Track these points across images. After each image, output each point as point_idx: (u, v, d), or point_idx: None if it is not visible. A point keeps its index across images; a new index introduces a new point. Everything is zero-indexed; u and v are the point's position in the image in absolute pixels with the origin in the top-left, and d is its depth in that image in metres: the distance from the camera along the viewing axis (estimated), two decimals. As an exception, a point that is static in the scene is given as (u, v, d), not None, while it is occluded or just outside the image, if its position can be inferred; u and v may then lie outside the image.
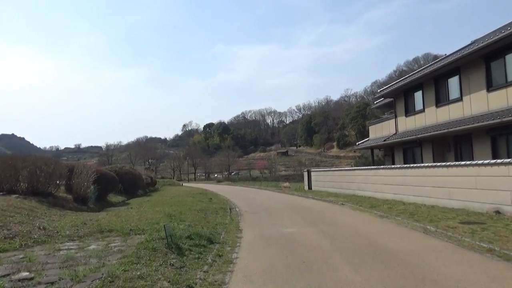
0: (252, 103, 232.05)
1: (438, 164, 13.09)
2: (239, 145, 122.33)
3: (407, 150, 20.37)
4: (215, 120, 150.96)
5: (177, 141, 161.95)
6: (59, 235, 7.53)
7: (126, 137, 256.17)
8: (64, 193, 14.65)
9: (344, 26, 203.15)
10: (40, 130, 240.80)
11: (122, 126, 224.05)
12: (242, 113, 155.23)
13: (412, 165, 15.40)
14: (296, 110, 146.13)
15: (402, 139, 19.03)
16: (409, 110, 19.97)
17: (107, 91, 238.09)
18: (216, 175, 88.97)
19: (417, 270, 5.30)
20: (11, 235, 7.00)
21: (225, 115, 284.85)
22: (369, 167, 20.34)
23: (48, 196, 12.64)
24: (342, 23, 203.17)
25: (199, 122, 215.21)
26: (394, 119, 21.52)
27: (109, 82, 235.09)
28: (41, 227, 8.00)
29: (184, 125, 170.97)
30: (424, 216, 10.29)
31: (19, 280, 4.57)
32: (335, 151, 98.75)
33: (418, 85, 18.62)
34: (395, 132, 21.20)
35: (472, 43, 15.42)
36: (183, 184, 54.50)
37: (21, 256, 5.82)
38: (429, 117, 17.83)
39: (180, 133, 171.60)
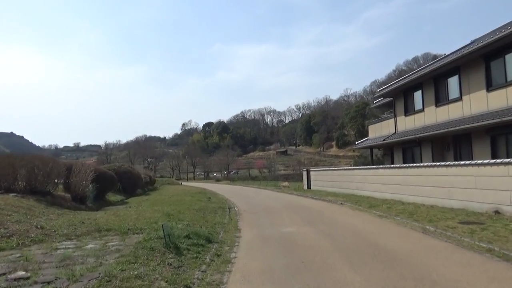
0: (251, 102, 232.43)
1: (438, 163, 13.06)
2: (238, 144, 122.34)
3: (406, 150, 20.35)
4: (214, 119, 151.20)
5: (176, 140, 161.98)
6: (56, 234, 7.50)
7: (125, 136, 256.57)
8: (62, 192, 14.61)
9: (343, 26, 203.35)
10: (39, 128, 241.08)
11: (121, 125, 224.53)
12: (242, 112, 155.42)
13: (411, 164, 15.38)
14: (295, 109, 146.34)
15: (402, 138, 19.01)
16: (409, 110, 19.94)
17: (106, 90, 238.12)
18: (215, 174, 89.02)
19: (416, 270, 5.27)
20: (8, 234, 6.97)
21: (225, 114, 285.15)
22: (368, 166, 20.32)
23: (46, 195, 12.60)
24: (342, 23, 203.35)
25: (199, 121, 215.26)
26: (393, 119, 21.49)
27: (108, 81, 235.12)
28: (39, 226, 7.98)
29: (183, 124, 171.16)
30: (423, 216, 10.27)
31: (15, 280, 4.53)
32: (334, 150, 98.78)
33: (417, 84, 18.59)
34: (394, 131, 21.18)
35: (472, 42, 15.41)
36: (182, 183, 54.50)
37: (18, 255, 5.79)
38: (429, 117, 17.81)
39: (179, 132, 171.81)
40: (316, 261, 5.98)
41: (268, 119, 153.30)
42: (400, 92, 20.41)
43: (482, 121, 13.11)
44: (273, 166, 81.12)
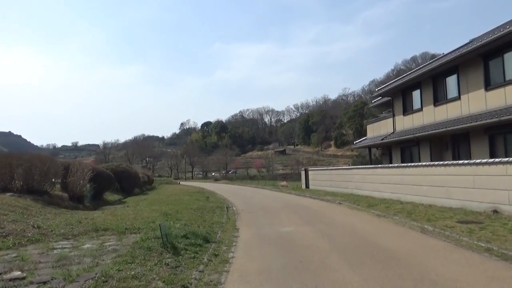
0: (250, 101, 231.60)
1: (436, 163, 13.06)
2: (237, 144, 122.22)
3: (404, 149, 20.35)
4: (212, 119, 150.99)
5: (174, 139, 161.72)
6: (53, 234, 7.46)
7: (123, 135, 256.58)
8: (60, 191, 14.54)
9: (342, 25, 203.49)
10: (37, 128, 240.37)
11: (120, 124, 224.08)
12: (240, 111, 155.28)
13: (409, 164, 15.38)
14: (294, 109, 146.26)
15: (400, 138, 19.00)
16: (407, 109, 19.94)
17: (105, 89, 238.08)
18: (213, 174, 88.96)
19: (415, 270, 5.24)
20: (4, 234, 6.92)
21: (223, 113, 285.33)
22: (366, 166, 20.32)
23: (43, 194, 12.54)
24: (341, 22, 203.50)
25: (197, 120, 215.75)
26: (392, 118, 21.49)
27: (107, 80, 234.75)
28: (35, 226, 7.93)
29: (182, 124, 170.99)
30: (421, 215, 10.26)
31: (10, 280, 4.49)
32: (332, 150, 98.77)
33: (416, 84, 18.58)
34: (392, 131, 21.17)
35: (471, 41, 15.40)
36: (180, 183, 54.43)
37: (14, 255, 5.74)
38: (427, 116, 17.81)
39: (177, 131, 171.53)
40: (314, 261, 5.95)
41: (266, 119, 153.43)
42: (398, 92, 20.40)
43: (481, 121, 13.11)
44: (272, 166, 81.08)
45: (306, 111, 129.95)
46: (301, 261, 5.97)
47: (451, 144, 16.54)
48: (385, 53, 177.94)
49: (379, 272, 5.19)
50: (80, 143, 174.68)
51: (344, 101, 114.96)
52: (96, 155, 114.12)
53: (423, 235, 7.95)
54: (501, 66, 13.31)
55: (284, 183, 36.47)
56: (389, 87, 20.78)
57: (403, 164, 15.91)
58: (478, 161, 10.89)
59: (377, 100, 26.14)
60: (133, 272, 4.84)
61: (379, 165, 18.35)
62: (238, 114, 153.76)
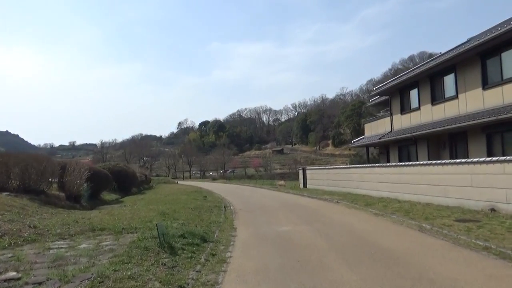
0: (247, 101, 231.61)
1: (434, 162, 13.07)
2: (235, 143, 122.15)
3: (402, 148, 20.36)
4: (210, 118, 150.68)
5: (172, 138, 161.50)
6: (49, 234, 7.40)
7: (121, 135, 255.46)
8: (57, 191, 14.48)
9: (340, 24, 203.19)
10: (34, 127, 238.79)
11: (117, 124, 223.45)
12: (238, 111, 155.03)
13: (407, 163, 15.39)
14: (291, 108, 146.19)
15: (398, 137, 19.02)
16: (405, 108, 19.95)
17: (102, 89, 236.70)
18: (211, 173, 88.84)
19: (413, 269, 5.23)
20: (0, 234, 6.86)
21: (221, 113, 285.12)
22: (364, 165, 20.32)
23: (40, 194, 12.47)
24: (338, 21, 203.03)
25: (195, 119, 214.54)
26: (389, 117, 21.51)
27: (105, 80, 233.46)
28: (32, 226, 7.87)
29: (180, 123, 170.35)
30: (419, 214, 10.26)
31: (5, 281, 4.44)
32: (330, 149, 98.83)
33: (413, 83, 18.60)
34: (390, 130, 21.19)
35: (468, 40, 15.42)
36: (178, 182, 54.38)
37: (9, 255, 5.69)
38: (425, 115, 17.82)
39: (175, 130, 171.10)
40: (312, 260, 5.92)
41: (264, 118, 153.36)
42: (396, 91, 20.42)
43: (478, 119, 13.12)
44: (269, 165, 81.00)
45: (304, 110, 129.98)
46: (299, 260, 5.95)
47: (448, 143, 16.55)
48: (382, 53, 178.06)
49: (377, 271, 5.18)
50: (78, 143, 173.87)
51: (342, 100, 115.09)
52: (93, 155, 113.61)
53: (421, 233, 7.95)
54: (498, 65, 13.32)
55: (282, 182, 36.50)
56: (387, 86, 20.79)
57: (400, 163, 15.93)
58: (475, 160, 10.90)
59: (375, 99, 26.16)
60: (129, 272, 4.80)
61: (377, 164, 18.37)
62: (236, 113, 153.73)
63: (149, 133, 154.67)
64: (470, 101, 14.70)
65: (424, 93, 17.90)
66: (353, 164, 30.22)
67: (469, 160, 11.24)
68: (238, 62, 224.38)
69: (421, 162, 14.01)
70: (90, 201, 15.47)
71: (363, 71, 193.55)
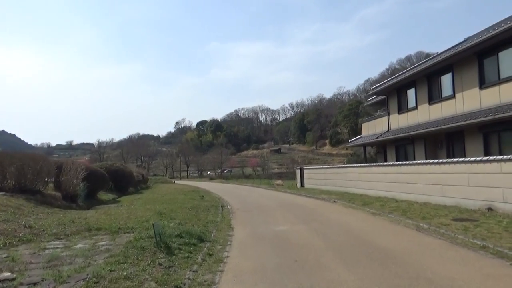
0: (245, 100, 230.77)
1: (431, 161, 13.07)
2: (232, 143, 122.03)
3: (399, 147, 20.38)
4: (208, 118, 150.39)
5: (169, 138, 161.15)
6: (45, 234, 7.35)
7: (118, 134, 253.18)
8: (53, 190, 14.39)
9: (338, 24, 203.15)
10: (31, 126, 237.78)
11: (115, 123, 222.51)
12: (235, 110, 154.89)
13: (404, 162, 15.39)
14: (289, 107, 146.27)
15: (395, 136, 19.03)
16: (402, 108, 19.97)
17: (100, 88, 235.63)
18: (208, 173, 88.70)
19: (411, 268, 5.21)
20: (-6, 234, 6.80)
21: (218, 112, 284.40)
22: (361, 164, 20.33)
23: (36, 193, 12.39)
24: (337, 21, 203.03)
25: (192, 119, 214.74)
26: (386, 117, 21.52)
27: (103, 79, 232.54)
28: (27, 225, 7.81)
29: (177, 122, 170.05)
30: (416, 213, 10.26)
31: (-1, 281, 4.39)
32: (327, 148, 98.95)
33: (411, 82, 18.62)
34: (387, 129, 21.20)
35: (465, 40, 15.41)
36: (175, 182, 54.33)
37: (4, 256, 5.64)
38: (422, 114, 17.85)
39: (173, 130, 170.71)
40: (310, 260, 5.90)
41: (262, 118, 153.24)
42: (393, 90, 20.43)
43: (475, 119, 13.14)
44: (267, 165, 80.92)
45: (302, 110, 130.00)
46: (296, 260, 5.92)
47: (445, 142, 16.58)
48: (380, 53, 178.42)
49: (375, 270, 5.16)
50: (75, 142, 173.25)
51: (339, 100, 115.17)
52: (90, 154, 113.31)
53: (418, 233, 7.94)
54: (495, 64, 13.34)
55: (279, 182, 36.49)
56: (384, 86, 20.81)
57: (398, 163, 15.93)
58: (472, 159, 10.91)
59: (372, 99, 26.18)
60: (125, 273, 4.76)
61: (374, 164, 18.38)
62: (234, 113, 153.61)
63: (146, 133, 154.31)
64: (467, 101, 14.72)
65: (421, 93, 17.92)
66: (350, 164, 30.22)
67: (466, 159, 11.24)
68: (236, 62, 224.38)
69: (419, 162, 14.02)
70: (87, 201, 15.40)
71: (361, 71, 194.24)
